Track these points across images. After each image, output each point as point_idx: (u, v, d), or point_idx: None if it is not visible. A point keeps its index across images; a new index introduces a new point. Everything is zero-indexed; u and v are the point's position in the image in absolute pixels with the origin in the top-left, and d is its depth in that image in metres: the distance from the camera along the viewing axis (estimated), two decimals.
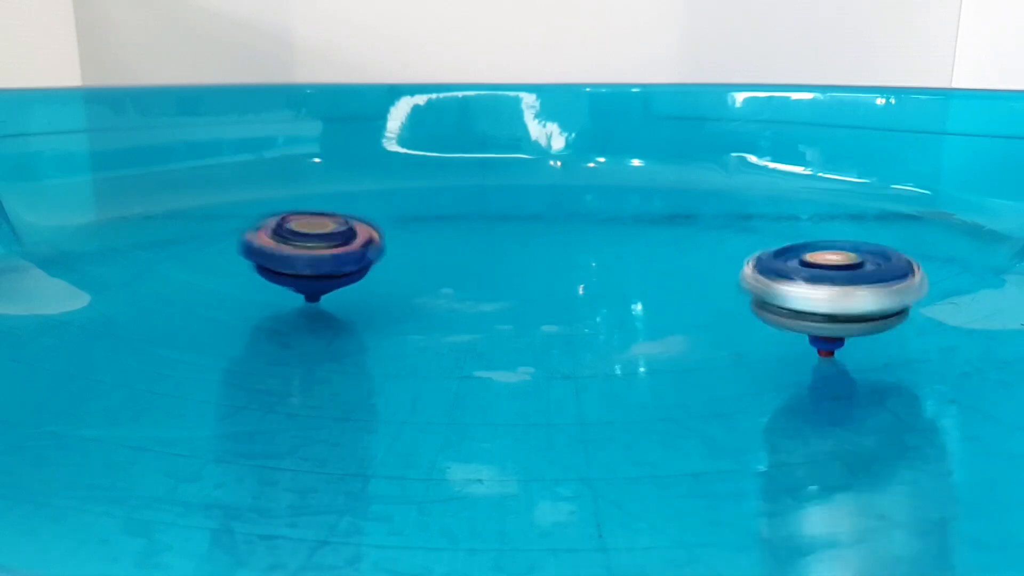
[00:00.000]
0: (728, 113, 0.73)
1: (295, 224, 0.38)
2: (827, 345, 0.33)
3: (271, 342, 0.39)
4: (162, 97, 0.74)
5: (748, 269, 0.32)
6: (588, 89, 0.77)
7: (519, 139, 0.75)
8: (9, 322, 0.41)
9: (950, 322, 0.41)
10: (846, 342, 0.34)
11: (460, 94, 0.76)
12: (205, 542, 0.23)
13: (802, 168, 0.70)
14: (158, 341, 0.38)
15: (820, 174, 0.69)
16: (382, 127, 0.75)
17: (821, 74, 0.77)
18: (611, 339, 0.41)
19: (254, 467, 0.27)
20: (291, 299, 0.40)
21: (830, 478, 0.26)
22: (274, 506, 0.24)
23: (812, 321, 0.31)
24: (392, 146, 0.75)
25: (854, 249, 0.32)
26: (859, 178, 0.68)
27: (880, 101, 0.69)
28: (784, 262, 0.32)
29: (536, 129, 0.75)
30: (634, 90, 0.77)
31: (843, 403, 0.32)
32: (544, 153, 0.75)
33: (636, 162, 0.74)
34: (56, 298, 0.46)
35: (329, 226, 0.38)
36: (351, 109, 0.77)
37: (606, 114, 0.77)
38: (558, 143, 0.75)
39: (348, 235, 0.39)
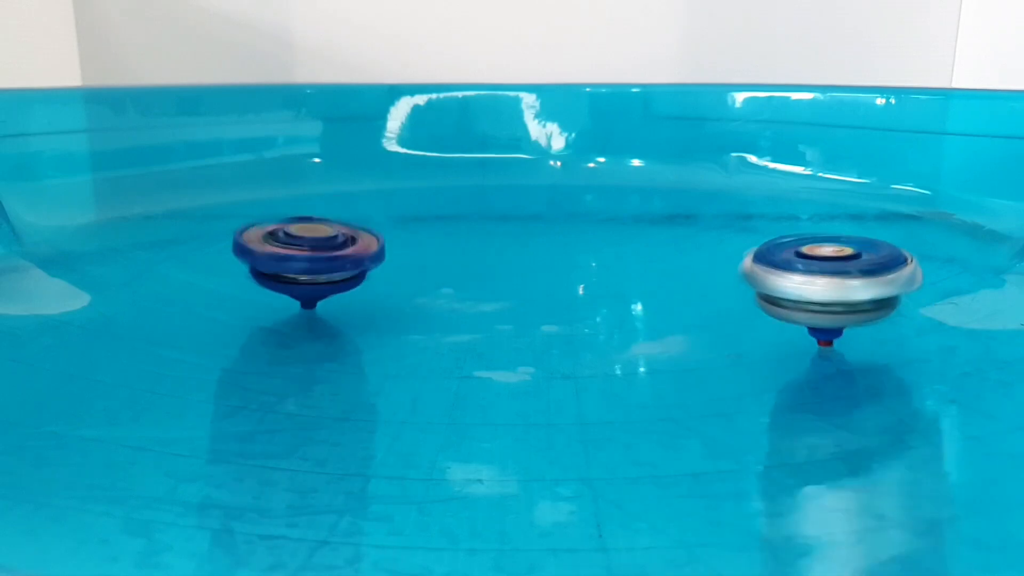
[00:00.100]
0: (728, 113, 0.73)
1: (292, 228, 0.38)
2: (826, 335, 0.34)
3: (271, 342, 0.39)
4: (162, 97, 0.74)
5: (747, 262, 0.33)
6: (588, 89, 0.77)
7: (519, 139, 0.75)
8: (9, 322, 0.41)
9: (950, 322, 0.41)
10: (846, 342, 0.34)
11: (460, 94, 0.76)
12: (205, 542, 0.23)
13: (802, 168, 0.70)
14: (158, 341, 0.38)
15: (820, 174, 0.69)
16: (382, 127, 0.75)
17: (821, 74, 0.77)
18: (611, 339, 0.41)
19: (254, 467, 0.27)
20: (291, 299, 0.40)
21: (830, 478, 0.26)
22: (274, 506, 0.24)
23: (810, 311, 0.32)
24: (392, 146, 0.75)
25: (849, 242, 0.33)
26: (859, 178, 0.68)
27: (880, 101, 0.69)
28: (782, 254, 0.33)
29: (536, 129, 0.75)
30: (634, 90, 0.77)
31: (843, 403, 0.32)
32: (544, 153, 0.75)
33: (636, 162, 0.74)
34: (56, 298, 0.46)
35: (327, 231, 0.38)
36: (351, 109, 0.77)
37: (606, 114, 0.77)
38: (558, 143, 0.75)
39: (345, 241, 0.38)
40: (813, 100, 0.72)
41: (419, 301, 0.45)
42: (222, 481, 0.26)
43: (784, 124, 0.72)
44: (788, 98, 0.72)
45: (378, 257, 0.39)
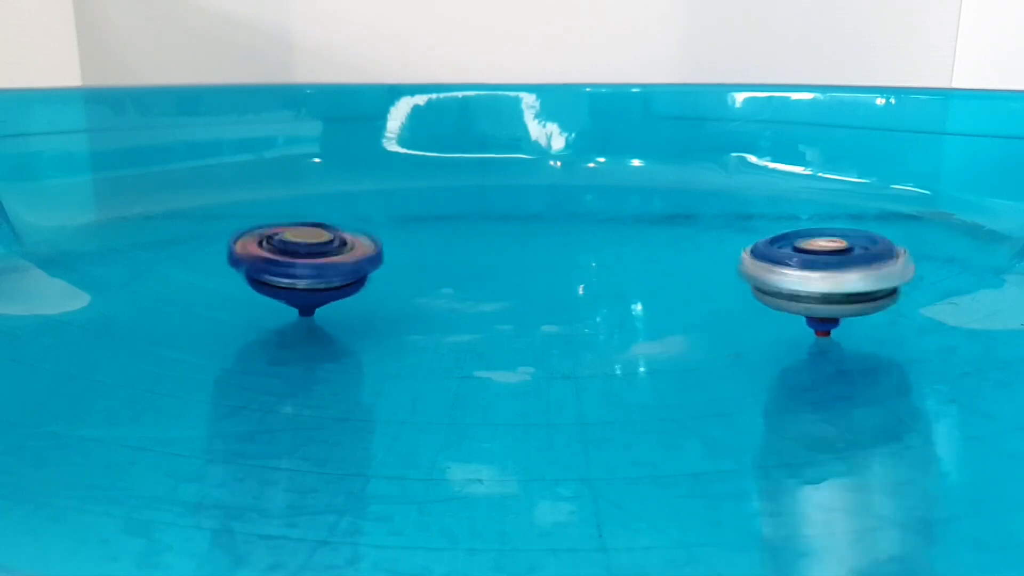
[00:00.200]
0: (728, 113, 0.73)
1: (287, 234, 0.37)
2: (823, 325, 0.35)
3: (271, 342, 0.39)
4: (162, 97, 0.74)
5: (746, 257, 0.34)
6: (588, 89, 0.77)
7: (519, 139, 0.75)
8: (9, 322, 0.41)
9: (950, 322, 0.41)
10: (846, 341, 0.34)
11: (460, 94, 0.76)
12: (205, 542, 0.23)
13: (802, 168, 0.70)
14: (158, 341, 0.38)
15: (820, 174, 0.69)
16: (382, 127, 0.75)
17: (821, 74, 0.77)
18: (611, 339, 0.41)
19: (254, 467, 0.27)
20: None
21: (830, 478, 0.26)
22: (274, 506, 0.24)
23: (807, 302, 0.33)
24: (392, 146, 0.75)
25: (843, 236, 0.34)
26: (859, 178, 0.68)
27: (880, 101, 0.69)
28: (779, 249, 0.34)
29: (536, 129, 0.75)
30: (634, 90, 0.77)
31: (843, 403, 0.32)
32: (544, 153, 0.75)
33: (636, 162, 0.74)
34: (56, 298, 0.46)
35: (324, 237, 0.38)
36: (351, 109, 0.77)
37: (606, 114, 0.77)
38: (558, 143, 0.75)
39: (342, 247, 0.38)
40: (813, 100, 0.72)
41: (419, 301, 0.45)
42: (222, 481, 0.26)
43: (784, 124, 0.72)
44: (788, 98, 0.72)
45: (376, 261, 0.39)
